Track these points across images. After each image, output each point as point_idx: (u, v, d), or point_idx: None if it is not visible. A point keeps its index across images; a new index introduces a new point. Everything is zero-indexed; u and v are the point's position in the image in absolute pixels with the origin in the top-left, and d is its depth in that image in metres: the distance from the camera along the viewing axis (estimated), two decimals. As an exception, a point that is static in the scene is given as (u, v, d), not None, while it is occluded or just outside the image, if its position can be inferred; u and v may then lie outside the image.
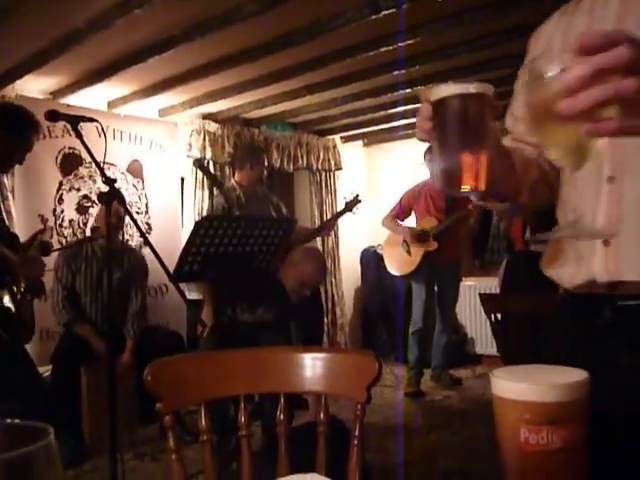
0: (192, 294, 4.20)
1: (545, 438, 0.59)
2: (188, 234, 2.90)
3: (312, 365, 1.32)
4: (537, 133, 0.79)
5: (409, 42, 3.84)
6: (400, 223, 5.29)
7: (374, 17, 3.38)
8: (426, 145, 5.03)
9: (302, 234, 4.59)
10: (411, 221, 5.33)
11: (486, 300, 2.39)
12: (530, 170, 1.17)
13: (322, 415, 1.30)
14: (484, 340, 5.98)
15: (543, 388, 0.60)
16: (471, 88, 0.87)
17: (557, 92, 0.67)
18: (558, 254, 1.15)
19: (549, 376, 0.62)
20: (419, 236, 5.07)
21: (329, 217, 5.81)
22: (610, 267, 1.00)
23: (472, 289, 5.95)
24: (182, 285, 2.96)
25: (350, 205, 4.72)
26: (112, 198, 2.42)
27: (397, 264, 5.29)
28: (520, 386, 0.61)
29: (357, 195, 4.78)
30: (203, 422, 1.29)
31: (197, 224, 2.83)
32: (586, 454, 0.61)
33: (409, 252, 5.15)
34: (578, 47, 0.65)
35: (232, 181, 4.50)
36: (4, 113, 2.96)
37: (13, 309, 2.98)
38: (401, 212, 5.29)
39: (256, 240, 2.91)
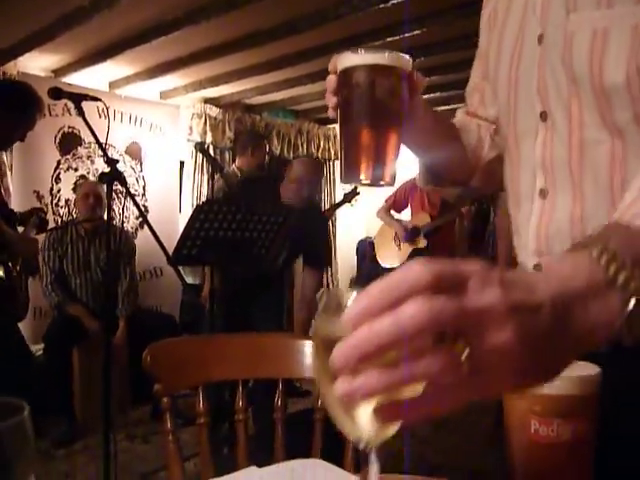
0: (187, 278, 4.19)
1: (555, 430, 0.59)
2: (186, 218, 2.90)
3: (311, 352, 1.32)
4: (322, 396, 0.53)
5: (415, 32, 3.82)
6: (394, 216, 5.29)
7: (382, 6, 3.36)
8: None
9: None
10: (406, 214, 5.33)
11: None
12: (483, 149, 1.07)
13: (320, 402, 1.30)
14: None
15: (554, 380, 0.59)
16: (380, 58, 0.73)
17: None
18: None
19: (560, 369, 0.62)
20: (410, 233, 5.07)
21: (327, 207, 5.80)
22: None
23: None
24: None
25: (349, 197, 4.71)
26: (113, 178, 2.40)
27: (387, 256, 5.32)
28: (531, 378, 0.60)
29: (355, 187, 4.78)
30: (201, 405, 1.29)
31: (197, 208, 2.82)
32: (594, 448, 0.61)
33: (399, 246, 5.16)
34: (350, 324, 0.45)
35: (233, 166, 4.49)
36: (8, 90, 2.94)
37: (7, 286, 2.97)
38: (396, 204, 5.28)
39: (255, 226, 2.90)
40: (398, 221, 5.24)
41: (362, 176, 0.75)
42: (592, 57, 0.79)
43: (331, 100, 0.80)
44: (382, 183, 0.76)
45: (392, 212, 5.32)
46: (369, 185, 0.78)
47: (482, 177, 1.08)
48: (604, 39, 0.78)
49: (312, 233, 3.53)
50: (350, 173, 0.76)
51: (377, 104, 0.74)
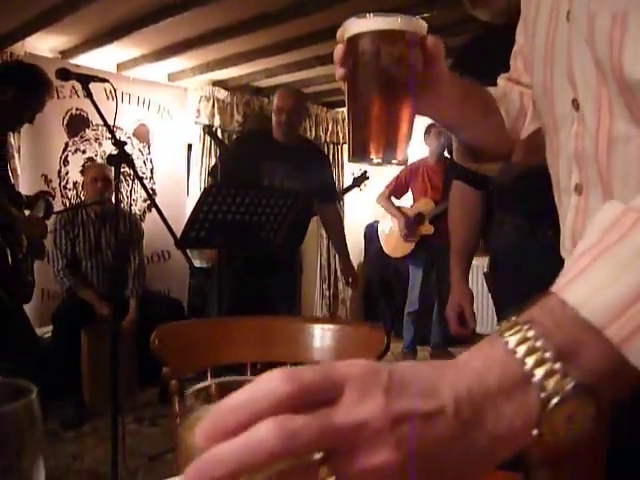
0: (195, 261, 4.18)
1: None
2: (194, 201, 2.88)
3: (321, 336, 1.31)
4: None
5: (425, 15, 3.77)
6: (395, 203, 5.22)
7: (392, -13, 3.31)
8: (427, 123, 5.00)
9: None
10: (408, 199, 5.26)
11: (490, 279, 2.37)
12: (525, 121, 0.96)
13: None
14: (485, 319, 5.97)
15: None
16: (387, 23, 0.67)
17: None
18: None
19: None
20: (414, 220, 5.01)
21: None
22: None
23: (476, 269, 5.93)
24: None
25: (358, 181, 4.69)
26: (121, 161, 2.39)
27: (393, 246, 5.26)
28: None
29: (365, 172, 4.75)
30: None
31: (206, 190, 2.81)
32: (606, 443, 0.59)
33: (405, 236, 5.11)
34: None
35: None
36: (18, 71, 2.92)
37: (12, 268, 2.97)
38: (397, 189, 5.19)
39: (264, 209, 2.89)
40: (399, 209, 5.16)
41: (372, 155, 0.70)
42: (612, 46, 0.70)
43: (338, 71, 0.75)
44: (394, 162, 0.72)
45: (393, 199, 5.23)
46: (379, 164, 0.73)
47: (524, 150, 0.97)
48: (623, 25, 0.68)
49: (315, 170, 3.59)
50: (358, 152, 0.71)
51: (385, 74, 0.68)
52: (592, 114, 0.76)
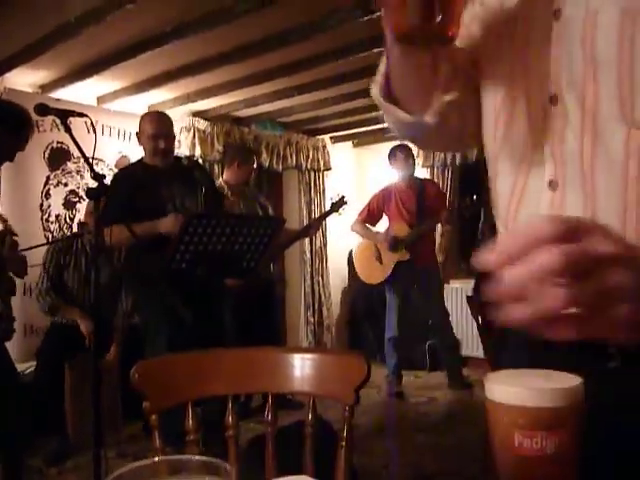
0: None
1: (539, 443, 0.58)
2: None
3: (301, 365, 1.31)
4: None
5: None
6: (370, 228, 5.24)
7: (366, 18, 3.38)
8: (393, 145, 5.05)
9: (288, 234, 4.59)
10: (382, 225, 5.26)
11: (473, 303, 2.40)
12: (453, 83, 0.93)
13: (310, 416, 1.30)
14: (470, 342, 5.99)
15: (537, 393, 0.59)
16: None
17: None
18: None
19: (544, 381, 0.62)
20: (392, 245, 4.99)
21: (314, 218, 5.78)
22: None
23: (458, 291, 5.97)
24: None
25: (336, 206, 4.71)
26: (101, 194, 2.40)
27: (368, 272, 5.24)
28: (514, 390, 0.60)
29: (343, 197, 4.77)
30: (190, 422, 1.28)
31: (186, 221, 2.82)
32: (579, 461, 0.61)
33: (380, 260, 5.11)
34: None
35: (220, 180, 4.50)
36: (4, 112, 2.92)
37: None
38: (370, 216, 5.21)
39: (245, 239, 2.90)
40: (377, 233, 5.18)
41: (432, 22, 0.67)
42: (622, 42, 0.72)
43: None
44: (448, 35, 0.70)
45: (368, 225, 5.25)
46: (428, 41, 0.72)
47: (440, 112, 0.92)
48: (635, 20, 0.71)
49: (205, 182, 3.61)
50: (413, 21, 0.68)
51: None
52: (576, 110, 0.78)
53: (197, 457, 0.54)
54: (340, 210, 4.78)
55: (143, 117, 3.61)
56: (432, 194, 5.11)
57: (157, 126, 3.45)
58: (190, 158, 4.09)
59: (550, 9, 0.80)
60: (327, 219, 5.24)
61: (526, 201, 0.86)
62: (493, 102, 0.91)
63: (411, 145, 5.35)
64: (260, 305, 4.23)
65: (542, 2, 0.82)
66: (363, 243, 5.32)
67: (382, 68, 0.94)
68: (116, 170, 5.06)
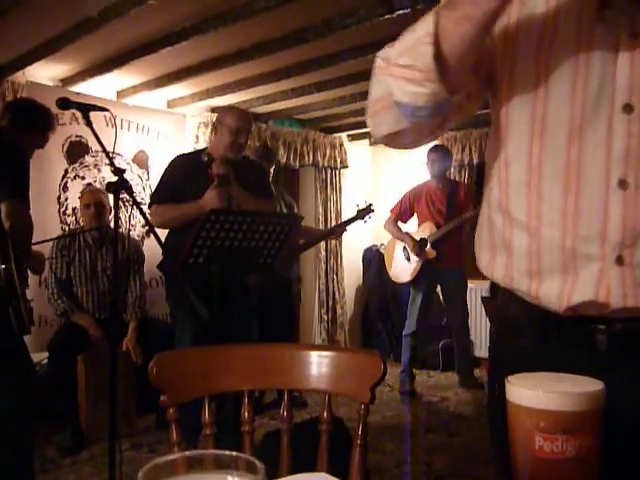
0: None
1: (559, 447, 0.59)
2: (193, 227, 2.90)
3: (318, 363, 1.32)
4: None
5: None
6: (401, 228, 5.23)
7: (387, 17, 3.37)
8: (430, 145, 5.02)
9: (311, 236, 4.59)
10: (413, 223, 5.28)
11: (488, 303, 2.38)
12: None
13: (325, 414, 1.30)
14: (484, 344, 5.97)
15: (559, 396, 0.59)
16: None
17: None
18: (525, 259, 0.95)
19: (565, 385, 0.62)
20: (418, 245, 5.02)
21: (339, 222, 5.71)
22: (628, 291, 0.85)
23: (474, 292, 5.94)
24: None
25: (362, 213, 4.69)
26: (120, 188, 2.41)
27: (397, 271, 5.27)
28: (536, 394, 0.60)
29: (370, 204, 4.76)
30: (206, 416, 1.29)
31: (204, 217, 2.83)
32: (599, 464, 0.61)
33: (409, 259, 5.14)
34: None
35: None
36: (26, 112, 2.94)
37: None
38: (403, 213, 5.20)
39: (261, 235, 2.91)
40: (407, 234, 5.18)
41: None
42: None
43: None
44: None
45: (399, 223, 5.25)
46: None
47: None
48: None
49: (260, 180, 3.63)
50: None
51: None
52: None
53: (243, 455, 0.54)
54: (366, 218, 4.76)
55: (227, 111, 3.63)
56: (462, 195, 5.09)
57: (241, 121, 3.47)
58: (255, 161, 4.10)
59: None
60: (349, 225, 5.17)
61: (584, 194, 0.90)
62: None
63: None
64: (279, 303, 4.24)
65: None
66: (393, 241, 5.32)
67: (430, 27, 0.91)
68: (134, 165, 5.11)
